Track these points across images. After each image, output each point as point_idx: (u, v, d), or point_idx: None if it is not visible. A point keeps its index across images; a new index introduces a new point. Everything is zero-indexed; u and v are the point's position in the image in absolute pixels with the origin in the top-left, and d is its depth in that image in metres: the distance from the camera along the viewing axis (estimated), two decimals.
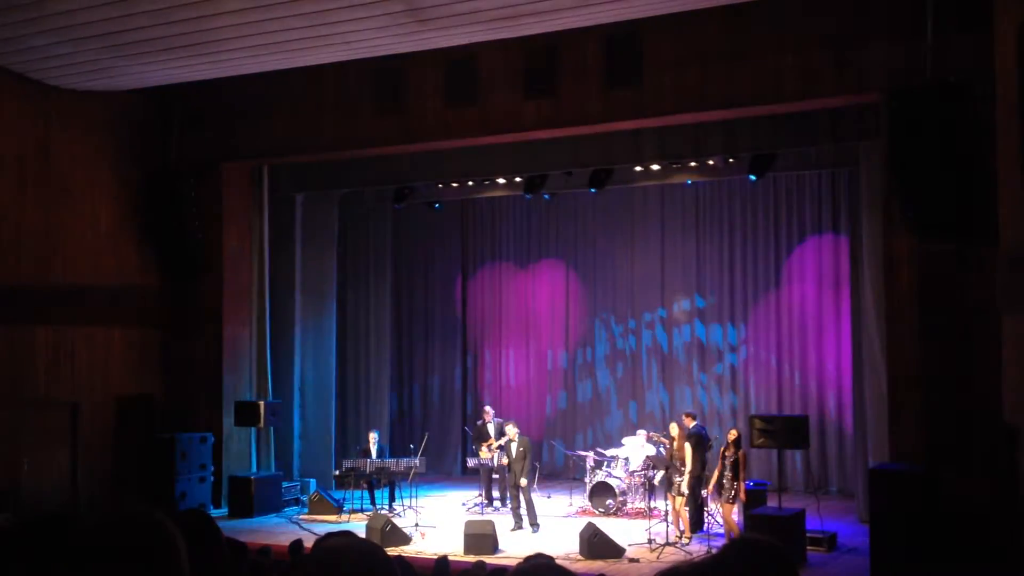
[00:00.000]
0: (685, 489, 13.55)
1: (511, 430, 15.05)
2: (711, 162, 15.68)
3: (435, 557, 11.02)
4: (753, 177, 15.41)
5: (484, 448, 16.53)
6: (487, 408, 17.53)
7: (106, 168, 16.85)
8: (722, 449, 13.52)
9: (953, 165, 11.79)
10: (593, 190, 16.26)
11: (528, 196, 17.11)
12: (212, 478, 16.65)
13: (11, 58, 14.56)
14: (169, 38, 13.50)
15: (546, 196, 18.09)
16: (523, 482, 14.65)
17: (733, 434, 13.53)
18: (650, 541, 13.34)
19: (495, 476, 16.58)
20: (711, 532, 13.88)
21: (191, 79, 15.60)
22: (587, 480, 16.15)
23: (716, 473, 13.43)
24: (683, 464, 13.59)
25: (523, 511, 14.66)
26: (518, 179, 16.79)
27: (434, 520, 15.25)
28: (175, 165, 17.12)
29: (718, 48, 13.59)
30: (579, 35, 14.34)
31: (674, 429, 14.02)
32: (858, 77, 12.80)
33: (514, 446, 14.80)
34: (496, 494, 16.62)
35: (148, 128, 17.32)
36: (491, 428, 16.78)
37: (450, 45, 14.44)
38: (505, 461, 15.28)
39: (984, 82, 11.10)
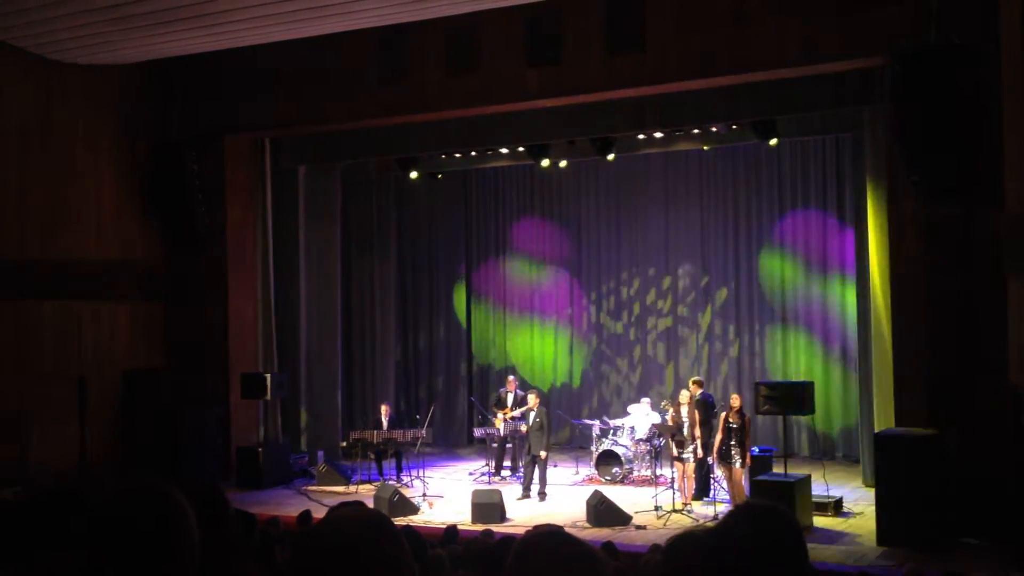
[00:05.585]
0: (688, 455, 13.59)
1: (531, 399, 15.03)
2: (714, 128, 15.63)
3: (443, 526, 11.09)
4: (774, 141, 15.32)
5: (499, 416, 16.48)
6: (510, 377, 17.47)
7: (109, 142, 16.82)
8: (724, 415, 13.53)
9: (958, 128, 11.73)
10: (608, 156, 16.16)
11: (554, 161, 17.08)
12: (220, 450, 16.73)
13: (12, 33, 14.48)
14: (171, 11, 13.40)
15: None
16: (543, 454, 14.67)
17: (736, 400, 13.56)
18: (657, 508, 13.40)
19: (508, 445, 16.56)
20: (716, 498, 13.93)
21: (193, 52, 15.52)
22: (593, 448, 16.19)
23: (718, 439, 13.45)
24: (694, 430, 13.60)
25: (534, 480, 14.71)
26: (521, 148, 16.76)
27: (441, 490, 15.32)
28: (178, 138, 17.07)
29: (721, 13, 13.48)
30: (581, 1, 14.26)
31: (684, 396, 14.03)
32: (862, 40, 12.69)
33: (532, 415, 14.81)
34: (507, 463, 16.59)
35: (150, 101, 17.27)
36: (511, 398, 16.72)
37: (451, 14, 14.36)
38: (524, 428, 15.22)
39: (989, 44, 11.04)
